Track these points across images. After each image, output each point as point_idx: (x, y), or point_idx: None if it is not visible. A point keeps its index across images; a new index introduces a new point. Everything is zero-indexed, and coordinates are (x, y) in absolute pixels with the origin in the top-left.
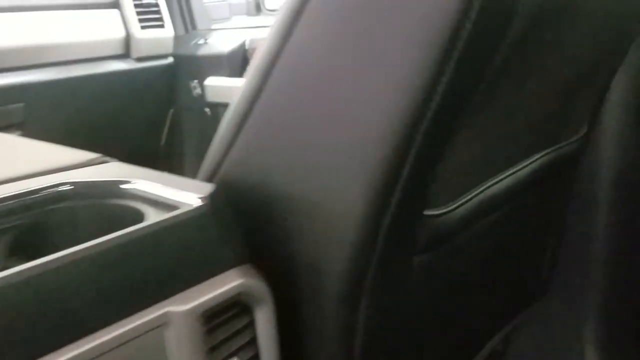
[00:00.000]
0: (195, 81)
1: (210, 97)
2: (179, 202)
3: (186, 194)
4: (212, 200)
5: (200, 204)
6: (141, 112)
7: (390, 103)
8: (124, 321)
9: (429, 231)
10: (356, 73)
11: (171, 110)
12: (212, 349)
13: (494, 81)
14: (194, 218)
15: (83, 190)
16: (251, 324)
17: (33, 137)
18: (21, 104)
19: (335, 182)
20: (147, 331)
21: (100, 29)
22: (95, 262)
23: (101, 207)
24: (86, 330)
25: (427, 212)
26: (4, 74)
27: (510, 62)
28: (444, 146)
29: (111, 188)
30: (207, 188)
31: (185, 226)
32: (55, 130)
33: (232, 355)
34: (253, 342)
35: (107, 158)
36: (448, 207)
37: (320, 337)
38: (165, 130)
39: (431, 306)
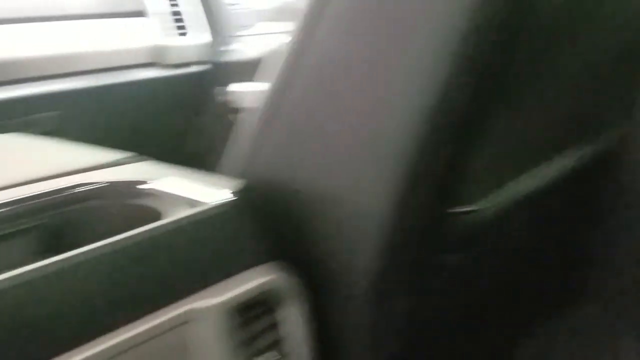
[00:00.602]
0: (221, 88)
1: (235, 103)
2: (205, 198)
3: (214, 191)
4: (238, 196)
5: (226, 200)
6: (167, 120)
7: (412, 98)
8: (145, 319)
9: (459, 229)
10: (379, 69)
11: (197, 118)
12: (238, 347)
13: (524, 70)
14: (219, 214)
15: (109, 189)
16: (280, 323)
17: None
18: (56, 112)
19: (360, 179)
20: (170, 329)
21: (128, 38)
22: (115, 258)
23: (126, 205)
24: (106, 328)
25: (456, 210)
26: (40, 82)
27: (541, 50)
28: (471, 141)
29: (138, 187)
30: (235, 185)
31: (210, 222)
32: (87, 138)
33: (259, 353)
34: (282, 341)
35: (142, 157)
36: (479, 204)
37: (350, 338)
38: (192, 138)
39: (462, 308)
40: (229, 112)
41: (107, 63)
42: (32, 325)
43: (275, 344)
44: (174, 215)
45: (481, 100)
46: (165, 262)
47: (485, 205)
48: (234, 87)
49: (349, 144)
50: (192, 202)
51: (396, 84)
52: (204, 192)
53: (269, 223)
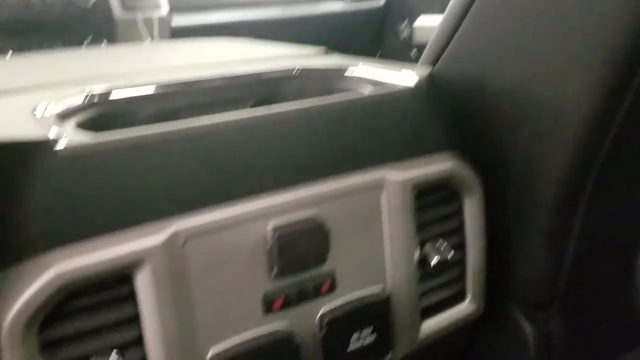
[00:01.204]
0: (405, 22)
1: (418, 38)
2: (394, 81)
3: (403, 76)
4: (427, 82)
5: (416, 84)
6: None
7: None
8: (343, 176)
9: None
10: None
11: (377, 54)
12: (421, 227)
13: None
14: (410, 96)
15: (311, 72)
16: (459, 212)
17: None
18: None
19: (559, 78)
20: (365, 191)
21: None
22: (320, 117)
23: (326, 85)
24: (312, 176)
25: None
26: (235, 10)
27: None
28: None
29: (334, 71)
30: (424, 71)
31: (402, 102)
32: None
33: (438, 237)
34: (460, 229)
35: (330, 50)
36: None
37: (527, 238)
38: None
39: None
40: (412, 48)
41: None
42: (249, 162)
43: (454, 233)
44: (373, 91)
45: None
46: (360, 130)
47: None
48: (419, 21)
49: (550, 42)
50: (383, 85)
51: None
52: (393, 76)
53: (454, 112)
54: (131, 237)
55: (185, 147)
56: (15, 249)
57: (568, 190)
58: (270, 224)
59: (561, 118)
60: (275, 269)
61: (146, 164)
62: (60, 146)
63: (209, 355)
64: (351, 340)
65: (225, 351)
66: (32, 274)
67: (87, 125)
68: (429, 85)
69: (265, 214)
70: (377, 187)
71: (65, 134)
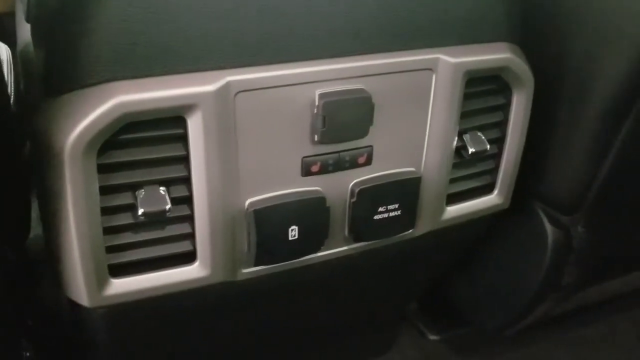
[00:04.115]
0: None
1: None
2: None
3: None
4: None
5: None
6: None
7: None
8: (398, 53)
9: None
10: None
11: None
12: (465, 116)
13: None
14: None
15: None
16: (506, 106)
17: None
18: None
19: None
20: (416, 71)
21: None
22: None
23: None
24: (367, 49)
25: None
26: None
27: None
28: None
29: None
30: None
31: None
32: None
33: (479, 128)
34: (502, 123)
35: None
36: None
37: (569, 142)
38: None
39: None
40: None
41: None
42: (307, 25)
43: (496, 126)
44: None
45: None
46: (422, 7)
47: None
48: None
49: None
50: None
51: None
52: None
53: (517, 5)
54: (188, 82)
55: None
56: (84, 72)
57: (620, 101)
58: (319, 90)
59: (614, 15)
60: (318, 135)
61: (208, 8)
62: None
63: (247, 203)
64: (378, 211)
65: (263, 201)
66: (97, 99)
67: None
68: None
69: (315, 80)
70: (430, 67)
71: None
